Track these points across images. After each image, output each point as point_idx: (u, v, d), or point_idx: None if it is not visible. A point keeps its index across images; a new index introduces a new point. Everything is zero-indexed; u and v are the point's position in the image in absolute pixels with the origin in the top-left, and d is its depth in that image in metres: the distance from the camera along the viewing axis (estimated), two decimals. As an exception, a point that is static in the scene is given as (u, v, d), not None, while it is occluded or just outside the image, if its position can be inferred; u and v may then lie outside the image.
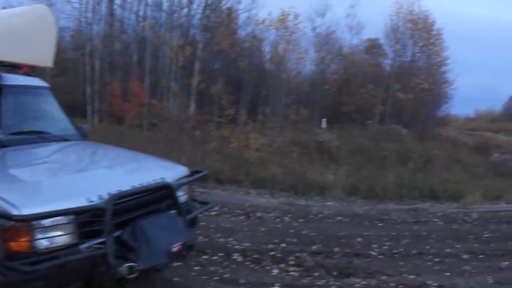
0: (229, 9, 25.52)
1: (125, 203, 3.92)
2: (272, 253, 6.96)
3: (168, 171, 4.77)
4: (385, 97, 28.04)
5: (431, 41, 30.63)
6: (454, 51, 35.41)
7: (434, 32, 30.57)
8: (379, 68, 31.20)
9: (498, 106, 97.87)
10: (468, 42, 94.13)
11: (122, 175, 4.51)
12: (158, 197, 4.31)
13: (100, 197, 3.72)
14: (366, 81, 28.18)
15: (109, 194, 3.75)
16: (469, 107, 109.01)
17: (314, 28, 27.94)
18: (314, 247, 7.49)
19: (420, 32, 30.27)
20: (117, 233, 3.76)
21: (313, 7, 27.92)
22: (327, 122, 23.33)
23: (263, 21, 25.41)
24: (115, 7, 25.00)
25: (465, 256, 7.77)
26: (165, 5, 24.39)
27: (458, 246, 8.38)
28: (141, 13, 25.36)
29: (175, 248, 3.98)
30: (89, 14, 24.30)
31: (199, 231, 7.12)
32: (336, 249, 7.43)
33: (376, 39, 31.54)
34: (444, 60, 31.55)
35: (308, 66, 28.64)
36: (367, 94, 27.46)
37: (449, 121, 47.35)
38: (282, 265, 6.53)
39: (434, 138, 26.31)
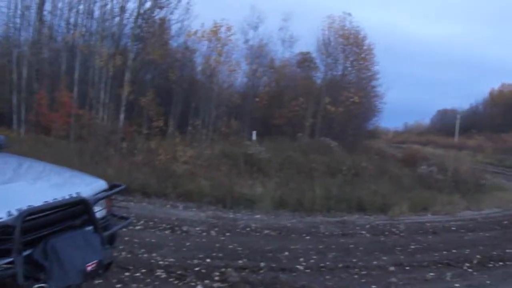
0: (161, 19, 25.21)
1: (36, 220, 3.70)
2: (197, 268, 6.84)
3: (84, 185, 4.56)
4: (316, 110, 28.32)
5: (362, 55, 31.17)
6: (384, 66, 36.44)
7: (365, 47, 31.13)
8: (310, 82, 31.50)
9: (426, 120, 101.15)
10: (397, 58, 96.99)
11: (35, 190, 4.27)
12: (73, 213, 4.10)
13: (9, 213, 3.50)
14: (297, 94, 28.37)
15: (18, 210, 3.53)
16: (398, 120, 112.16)
17: (246, 41, 28.02)
18: (240, 262, 7.41)
19: (352, 47, 30.76)
20: (27, 252, 3.54)
21: (246, 20, 27.86)
22: (258, 135, 23.37)
23: (196, 32, 25.28)
24: (45, 13, 24.26)
25: (392, 268, 7.88)
26: (97, 13, 23.91)
27: (385, 258, 8.50)
28: (71, 20, 24.73)
29: (90, 267, 3.80)
30: (17, 20, 23.54)
31: (122, 247, 6.95)
32: (262, 264, 7.38)
33: (308, 53, 31.88)
34: (374, 74, 32.20)
35: (239, 78, 28.66)
36: (298, 107, 27.62)
37: (378, 134, 48.47)
38: (206, 281, 6.42)
39: (363, 151, 26.74)
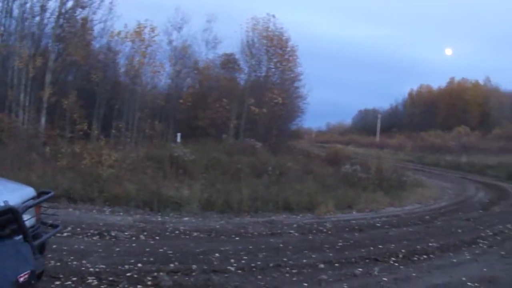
0: (83, 19, 24.54)
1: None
2: (129, 274, 6.79)
3: (12, 193, 4.42)
4: (240, 112, 28.37)
5: (285, 57, 31.41)
6: (307, 67, 37.08)
7: (288, 49, 31.38)
8: (234, 83, 31.50)
9: (348, 120, 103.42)
10: (320, 59, 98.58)
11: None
12: (1, 222, 3.96)
13: None
14: (221, 95, 28.31)
15: None
16: (321, 120, 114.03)
17: (170, 42, 27.68)
18: (171, 265, 7.40)
19: (275, 48, 30.93)
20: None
21: (170, 21, 27.52)
22: (182, 137, 23.25)
23: (119, 33, 24.78)
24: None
25: (322, 266, 8.07)
26: (16, 12, 23.04)
27: (314, 256, 8.68)
28: (-11, 19, 23.81)
29: (22, 278, 3.69)
30: None
31: (50, 255, 6.78)
32: (194, 266, 7.40)
33: (232, 54, 31.83)
34: (298, 75, 32.56)
35: (163, 79, 28.30)
36: (222, 108, 27.59)
37: (302, 134, 49.06)
38: (139, 287, 6.39)
39: (287, 151, 27.05)
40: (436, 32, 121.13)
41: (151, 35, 25.27)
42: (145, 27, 24.87)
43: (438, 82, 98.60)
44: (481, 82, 76.01)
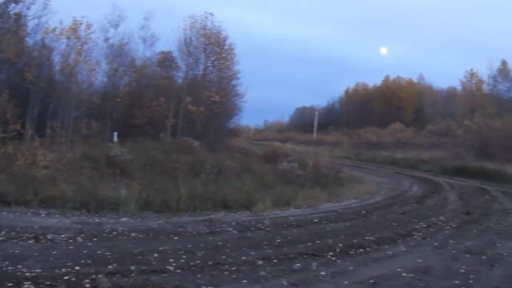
0: (17, 14, 23.81)
1: None
2: (66, 277, 6.71)
3: None
4: (177, 110, 28.25)
5: (223, 55, 31.47)
6: (245, 65, 37.31)
7: (226, 47, 31.48)
8: (172, 81, 31.36)
9: (285, 117, 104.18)
10: (258, 57, 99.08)
11: None
12: None
13: None
14: (159, 94, 28.10)
15: None
16: (258, 118, 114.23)
17: (107, 39, 27.19)
18: (110, 267, 7.35)
19: (213, 47, 30.94)
20: None
21: (107, 18, 27.01)
22: (119, 136, 22.97)
23: (54, 30, 24.16)
24: None
25: (260, 262, 8.18)
26: None
27: (253, 253, 8.79)
28: None
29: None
30: None
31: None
32: (133, 267, 7.37)
33: (169, 52, 31.64)
34: (235, 73, 32.71)
35: (99, 78, 27.81)
36: (159, 106, 27.38)
37: (240, 132, 49.27)
38: (77, 290, 6.29)
39: (225, 149, 27.13)
40: (372, 31, 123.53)
41: (87, 32, 24.79)
42: (81, 23, 24.38)
43: (373, 80, 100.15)
44: (415, 80, 77.92)
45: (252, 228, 11.43)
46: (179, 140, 25.91)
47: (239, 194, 14.72)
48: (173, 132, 27.86)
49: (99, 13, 33.01)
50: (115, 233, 9.92)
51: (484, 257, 9.58)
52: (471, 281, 7.81)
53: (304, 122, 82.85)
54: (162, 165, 17.76)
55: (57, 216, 11.45)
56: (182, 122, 28.32)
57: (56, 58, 25.92)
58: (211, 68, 31.94)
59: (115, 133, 23.25)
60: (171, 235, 10.06)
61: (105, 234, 9.75)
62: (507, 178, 27.53)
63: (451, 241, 10.97)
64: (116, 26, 27.38)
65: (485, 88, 68.35)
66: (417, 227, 12.68)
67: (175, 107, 28.22)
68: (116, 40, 27.59)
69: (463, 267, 8.68)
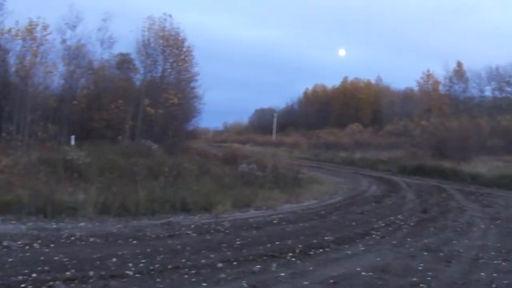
0: (-31, 14, 23.38)
1: None
2: (23, 285, 6.61)
3: None
4: (136, 112, 28.02)
5: (182, 57, 31.41)
6: (204, 67, 37.24)
7: (184, 49, 31.41)
8: (130, 83, 31.10)
9: (244, 119, 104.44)
10: (217, 59, 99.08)
11: None
12: None
13: None
14: (117, 96, 27.83)
15: None
16: (218, 120, 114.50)
17: (64, 41, 26.79)
18: (68, 273, 7.26)
19: (171, 49, 30.84)
20: None
21: (64, 19, 26.60)
22: (77, 139, 22.72)
23: (9, 31, 23.78)
24: None
25: (220, 265, 8.19)
26: None
27: (213, 256, 8.81)
28: None
29: None
30: None
31: None
32: (91, 273, 7.31)
33: (127, 54, 31.38)
34: (194, 75, 32.72)
35: (56, 80, 27.38)
36: (118, 109, 27.13)
37: (199, 134, 49.15)
38: (34, 297, 6.21)
39: (184, 152, 27.02)
40: (331, 33, 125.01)
41: (43, 33, 24.49)
42: (37, 24, 24.07)
43: (332, 82, 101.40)
44: (373, 81, 79.13)
45: (212, 231, 11.42)
46: (137, 143, 25.74)
47: (198, 196, 14.70)
48: (132, 135, 27.63)
49: (56, 14, 32.62)
50: (73, 238, 9.80)
51: (441, 254, 9.82)
52: (428, 278, 7.96)
53: (263, 123, 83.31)
54: (120, 169, 17.57)
55: (13, 222, 11.22)
56: (141, 125, 28.11)
57: (12, 60, 25.52)
58: (169, 70, 31.85)
59: (73, 137, 22.97)
60: (130, 239, 9.99)
61: (62, 240, 9.62)
62: (463, 176, 28.28)
63: (409, 239, 11.18)
64: (73, 27, 27.02)
65: (441, 89, 69.93)
66: (376, 226, 12.89)
67: (133, 110, 27.98)
68: (74, 41, 27.25)
69: (421, 264, 8.87)
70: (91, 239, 9.79)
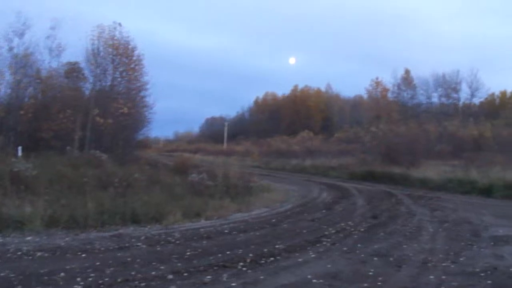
0: None
1: None
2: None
3: None
4: (85, 122, 27.71)
5: (131, 66, 31.28)
6: (154, 76, 36.97)
7: (134, 58, 31.31)
8: (79, 93, 30.79)
9: (195, 128, 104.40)
10: (167, 68, 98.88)
11: None
12: None
13: None
14: (65, 106, 27.49)
15: None
16: (168, 129, 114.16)
17: (11, 49, 26.43)
18: (13, 290, 7.10)
19: (121, 57, 30.68)
20: None
21: (11, 26, 26.15)
22: (24, 150, 22.27)
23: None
24: None
25: (170, 277, 8.17)
26: None
27: (163, 267, 8.77)
28: None
29: None
30: None
31: None
32: (38, 289, 7.15)
33: (76, 63, 31.10)
34: (144, 85, 32.59)
35: (3, 89, 26.95)
36: (66, 119, 26.80)
37: (149, 143, 48.84)
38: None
39: (134, 162, 26.79)
40: (281, 41, 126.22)
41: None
42: (-18, 32, 23.58)
43: (282, 90, 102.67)
44: (323, 89, 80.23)
45: (162, 242, 11.35)
46: (87, 153, 25.43)
47: (148, 207, 14.55)
48: (81, 145, 27.30)
49: (3, 21, 31.98)
50: (19, 253, 9.58)
51: (391, 259, 9.96)
52: (379, 283, 8.08)
53: (214, 132, 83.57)
54: (69, 180, 17.30)
55: (-43, 237, 10.96)
56: (90, 135, 27.83)
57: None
58: (119, 79, 31.72)
59: (19, 147, 22.51)
60: (79, 253, 9.83)
61: (9, 255, 9.40)
62: (412, 181, 28.88)
63: (359, 245, 11.31)
64: (20, 35, 26.70)
65: (390, 95, 71.59)
66: (327, 233, 12.95)
67: (82, 120, 27.66)
68: (21, 49, 26.91)
69: (371, 270, 9.00)
70: (39, 254, 9.60)
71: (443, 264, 9.48)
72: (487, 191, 24.27)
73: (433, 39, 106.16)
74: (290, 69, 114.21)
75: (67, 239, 11.29)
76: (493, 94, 70.19)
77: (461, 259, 10.00)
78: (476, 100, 68.49)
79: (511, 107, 63.85)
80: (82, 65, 30.87)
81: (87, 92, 31.10)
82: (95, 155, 23.83)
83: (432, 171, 30.90)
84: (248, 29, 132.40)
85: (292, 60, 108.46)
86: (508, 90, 71.34)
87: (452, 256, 10.23)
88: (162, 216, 14.23)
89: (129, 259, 9.41)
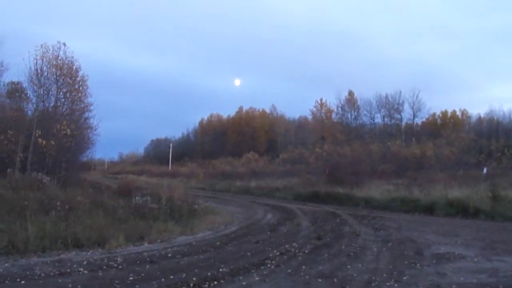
0: None
1: None
2: None
3: None
4: (27, 144, 27.20)
5: (75, 87, 30.84)
6: (98, 97, 36.73)
7: (78, 78, 30.90)
8: (21, 113, 30.17)
9: (140, 149, 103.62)
10: (112, 89, 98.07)
11: None
12: None
13: None
14: (7, 126, 26.94)
15: None
16: (113, 151, 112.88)
17: None
18: None
19: (65, 78, 30.24)
20: None
21: None
22: (-37, 172, 21.76)
23: None
24: None
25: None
26: None
27: (103, 294, 8.65)
28: None
29: None
30: None
31: None
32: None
33: (19, 83, 30.59)
34: (88, 106, 32.17)
35: None
36: (8, 140, 26.26)
37: (93, 165, 48.31)
38: None
39: (78, 184, 26.45)
40: (226, 63, 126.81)
41: None
42: None
43: (228, 111, 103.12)
44: (267, 110, 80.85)
45: (104, 267, 11.25)
46: (28, 176, 24.91)
47: (91, 231, 14.40)
48: (23, 167, 26.72)
49: None
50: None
51: (335, 279, 10.11)
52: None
53: (159, 154, 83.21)
54: (9, 203, 16.97)
55: None
56: (32, 157, 27.28)
57: None
58: (63, 100, 31.19)
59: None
60: (18, 279, 9.66)
61: None
62: (356, 201, 29.36)
63: (304, 267, 11.42)
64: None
65: (334, 116, 72.84)
66: (271, 255, 13.01)
67: (24, 141, 27.15)
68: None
69: (316, 291, 9.15)
70: (-27, 283, 9.44)
71: (387, 284, 9.70)
72: (429, 209, 24.91)
73: (375, 61, 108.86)
74: (235, 90, 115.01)
75: (6, 265, 11.08)
76: (434, 114, 72.29)
77: (404, 277, 10.25)
78: (418, 120, 70.53)
79: (452, 127, 65.72)
80: (25, 85, 30.36)
81: (29, 113, 30.49)
82: (37, 178, 23.40)
83: (375, 190, 31.51)
84: (193, 51, 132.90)
85: (237, 82, 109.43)
86: (449, 110, 73.57)
87: (396, 275, 10.47)
88: (104, 240, 14.09)
89: (70, 285, 9.32)
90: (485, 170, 37.53)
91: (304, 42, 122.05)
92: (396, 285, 9.66)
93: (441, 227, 19.41)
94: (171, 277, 10.25)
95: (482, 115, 70.02)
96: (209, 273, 10.65)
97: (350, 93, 71.60)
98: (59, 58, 29.81)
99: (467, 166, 43.30)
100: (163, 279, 10.00)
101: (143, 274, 10.51)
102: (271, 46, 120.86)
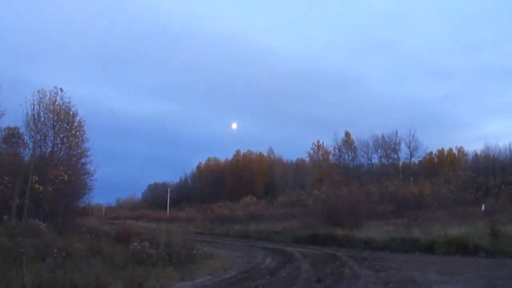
0: None
1: None
2: None
3: None
4: (24, 190, 27.01)
5: (72, 132, 30.83)
6: (95, 142, 36.73)
7: (75, 124, 30.90)
8: (18, 159, 30.06)
9: (138, 194, 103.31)
10: (109, 134, 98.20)
11: None
12: None
13: None
14: (3, 172, 26.78)
15: None
16: (111, 196, 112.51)
17: None
18: None
19: (62, 123, 30.24)
20: None
21: None
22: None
23: None
24: None
25: None
26: None
27: None
28: None
29: None
30: None
31: None
32: None
33: (15, 128, 30.59)
34: (85, 151, 32.11)
35: None
36: (4, 186, 26.08)
37: (91, 211, 48.08)
38: None
39: (75, 230, 26.17)
40: (223, 107, 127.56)
41: None
42: None
43: (225, 155, 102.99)
44: (265, 153, 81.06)
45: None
46: (25, 222, 24.68)
47: (88, 278, 14.17)
48: (19, 214, 26.51)
49: None
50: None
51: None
52: None
53: (157, 198, 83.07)
54: (5, 251, 16.76)
55: None
56: (29, 203, 27.07)
57: None
58: (60, 145, 31.10)
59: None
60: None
61: None
62: (355, 243, 29.11)
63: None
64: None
65: (331, 158, 73.00)
66: (271, 300, 12.88)
67: (21, 187, 26.96)
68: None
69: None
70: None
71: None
72: (429, 248, 24.71)
73: (370, 101, 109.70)
74: (232, 134, 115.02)
75: (2, 314, 10.88)
76: (431, 152, 72.51)
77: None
78: (415, 159, 70.64)
79: (449, 164, 65.84)
80: (22, 130, 30.36)
81: (26, 158, 30.36)
82: (33, 224, 23.20)
83: (375, 231, 31.34)
84: (190, 95, 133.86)
85: (234, 125, 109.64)
86: (446, 148, 73.83)
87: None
88: (102, 287, 13.86)
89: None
90: (483, 207, 37.55)
91: (300, 86, 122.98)
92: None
93: (441, 266, 19.26)
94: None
95: (478, 152, 70.33)
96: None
97: (347, 134, 72.04)
98: (56, 103, 29.89)
99: (465, 203, 43.26)
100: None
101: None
102: (267, 90, 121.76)
